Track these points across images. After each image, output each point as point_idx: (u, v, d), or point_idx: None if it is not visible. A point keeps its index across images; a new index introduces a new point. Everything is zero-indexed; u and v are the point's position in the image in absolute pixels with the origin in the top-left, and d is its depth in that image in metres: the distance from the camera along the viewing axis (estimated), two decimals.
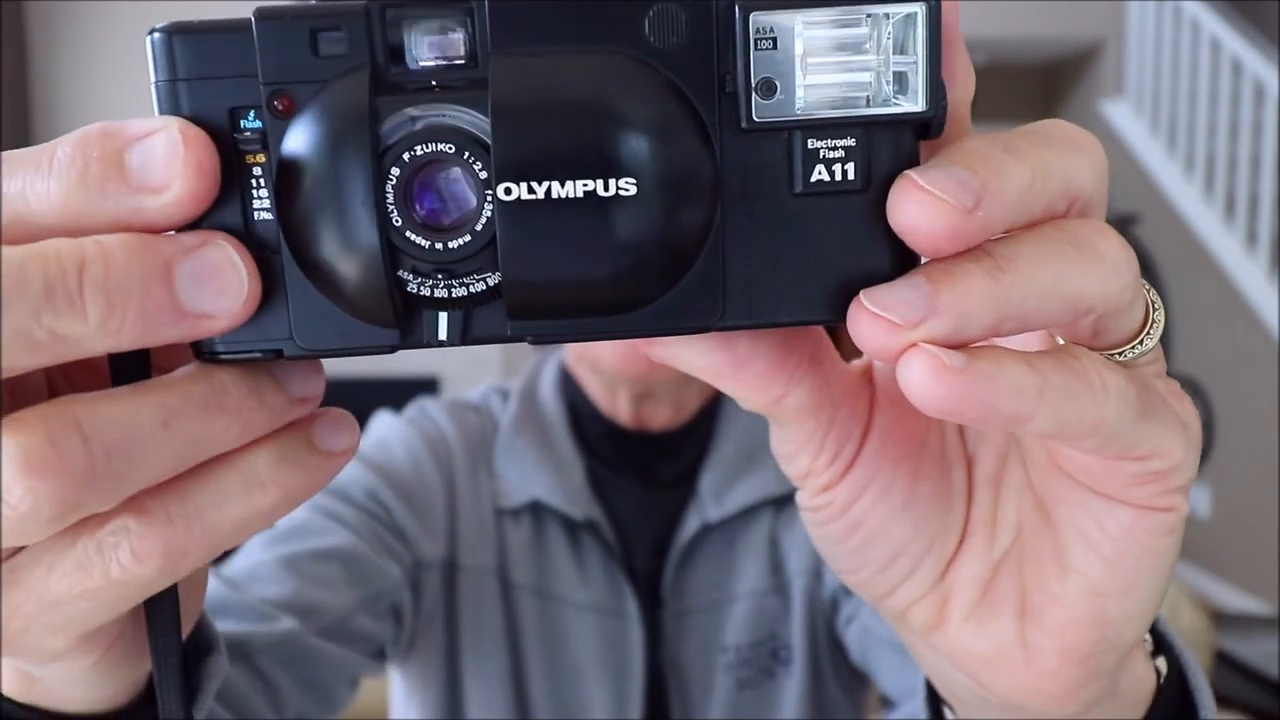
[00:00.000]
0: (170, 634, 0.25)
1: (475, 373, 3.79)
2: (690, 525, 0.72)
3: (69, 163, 0.20)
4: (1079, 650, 0.26)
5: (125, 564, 0.21)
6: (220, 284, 0.20)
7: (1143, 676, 0.30)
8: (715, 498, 0.73)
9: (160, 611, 0.25)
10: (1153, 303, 0.25)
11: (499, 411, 0.78)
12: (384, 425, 0.76)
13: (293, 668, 0.54)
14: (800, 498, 0.28)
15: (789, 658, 0.71)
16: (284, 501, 0.22)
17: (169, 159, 0.20)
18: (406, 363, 3.85)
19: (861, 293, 0.21)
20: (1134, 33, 4.08)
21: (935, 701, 0.34)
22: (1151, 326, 0.24)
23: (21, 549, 0.21)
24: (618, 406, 0.75)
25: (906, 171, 0.21)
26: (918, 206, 0.20)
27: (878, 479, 0.27)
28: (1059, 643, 0.26)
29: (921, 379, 0.20)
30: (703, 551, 0.73)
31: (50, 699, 0.28)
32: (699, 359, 0.24)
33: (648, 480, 0.75)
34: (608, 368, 0.70)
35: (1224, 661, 2.23)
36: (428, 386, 3.84)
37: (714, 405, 0.78)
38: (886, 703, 0.66)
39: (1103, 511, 0.25)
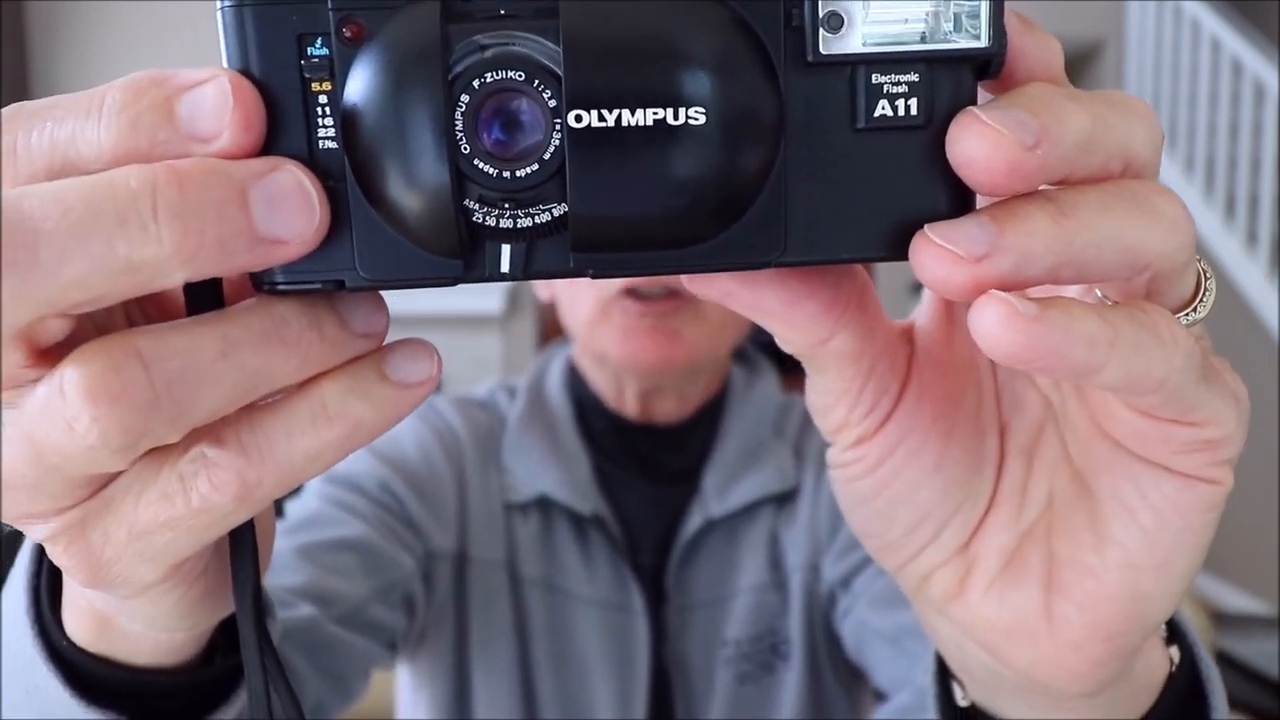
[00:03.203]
0: (249, 568, 0.26)
1: (477, 372, 3.79)
2: (694, 521, 0.73)
3: (119, 109, 0.20)
4: (1108, 625, 0.26)
5: (204, 493, 0.21)
6: (293, 208, 0.20)
7: (1156, 663, 0.30)
8: (718, 494, 0.73)
9: (241, 544, 0.25)
10: (1204, 272, 0.24)
11: (506, 408, 0.78)
12: None
13: (311, 654, 0.55)
14: (831, 454, 0.28)
15: (788, 652, 0.72)
16: (355, 434, 0.22)
17: (218, 110, 0.20)
18: None
19: (926, 226, 0.21)
20: (1134, 33, 4.08)
21: (944, 681, 0.34)
22: (1204, 295, 0.24)
23: (112, 481, 0.22)
24: (624, 400, 0.75)
25: (968, 107, 0.21)
26: (978, 140, 0.20)
27: (911, 437, 0.27)
28: (1088, 616, 0.26)
29: (994, 325, 0.20)
30: (705, 547, 0.73)
31: (122, 648, 0.29)
32: (751, 296, 0.24)
33: (653, 476, 0.75)
34: (615, 360, 0.70)
35: (1224, 661, 2.23)
36: None
37: (718, 402, 0.78)
38: (881, 697, 0.67)
39: (1148, 481, 0.25)
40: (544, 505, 0.73)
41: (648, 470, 0.75)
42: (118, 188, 0.18)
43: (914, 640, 0.63)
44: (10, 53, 3.68)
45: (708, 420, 0.77)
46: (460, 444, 0.74)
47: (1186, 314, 0.24)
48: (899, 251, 0.22)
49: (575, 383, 0.78)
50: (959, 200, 0.22)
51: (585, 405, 0.77)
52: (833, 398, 0.27)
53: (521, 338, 4.03)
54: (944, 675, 0.34)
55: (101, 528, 0.22)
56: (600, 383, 0.76)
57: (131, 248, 0.18)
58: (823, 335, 0.25)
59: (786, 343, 0.26)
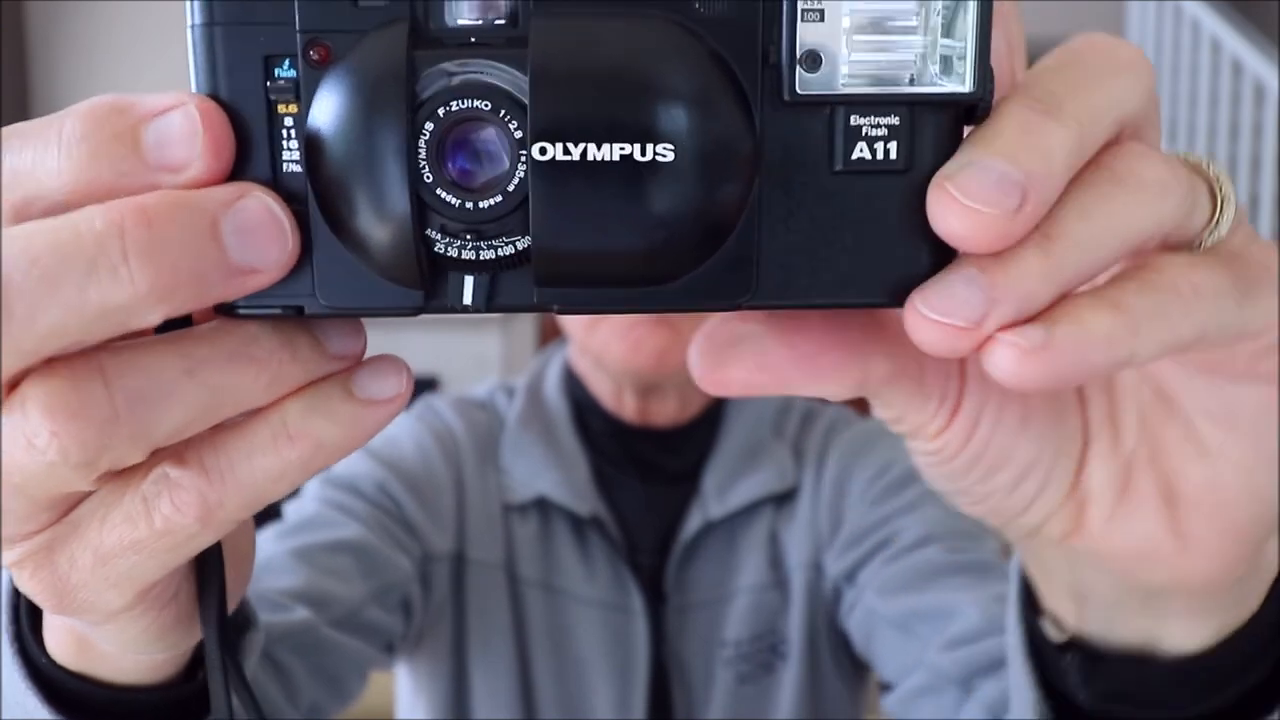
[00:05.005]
0: (214, 593, 0.25)
1: (476, 372, 3.79)
2: (693, 522, 0.73)
3: (79, 139, 0.19)
4: (1238, 528, 0.25)
5: (166, 514, 0.21)
6: (265, 236, 0.19)
7: (1272, 556, 0.30)
8: (718, 495, 0.73)
9: (208, 571, 0.25)
10: (1217, 181, 0.23)
11: (505, 408, 0.78)
12: (393, 421, 0.76)
13: (307, 656, 0.55)
14: (914, 447, 0.27)
15: (786, 652, 0.72)
16: (318, 454, 0.22)
17: (187, 138, 0.19)
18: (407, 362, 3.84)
19: (915, 297, 0.20)
20: (1134, 33, 4.07)
21: (1030, 622, 0.32)
22: (1223, 206, 0.23)
23: (79, 505, 0.22)
24: (623, 402, 0.75)
25: (941, 177, 0.20)
26: (960, 221, 0.19)
27: (988, 406, 0.26)
28: (1217, 524, 0.25)
29: (1009, 369, 0.20)
30: (705, 548, 0.73)
31: (102, 667, 0.28)
32: (776, 379, 0.24)
33: (651, 477, 0.75)
34: (613, 363, 0.70)
35: None
36: (428, 385, 3.84)
37: (719, 403, 0.78)
38: (885, 688, 0.67)
39: (1232, 392, 0.24)
40: (542, 506, 0.73)
41: (646, 472, 0.75)
42: (83, 232, 0.18)
43: (923, 624, 0.63)
44: (10, 53, 3.68)
45: (707, 422, 0.77)
46: (458, 445, 0.74)
47: (1210, 231, 0.23)
48: (876, 297, 0.21)
49: (573, 385, 0.78)
50: (940, 245, 0.21)
51: (583, 407, 0.77)
52: (898, 411, 0.26)
53: (521, 338, 4.03)
54: (1029, 619, 0.32)
55: (68, 552, 0.22)
56: (598, 386, 0.76)
57: (104, 294, 0.18)
58: (856, 378, 0.24)
59: (831, 396, 0.25)
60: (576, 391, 0.78)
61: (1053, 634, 0.32)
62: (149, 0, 3.64)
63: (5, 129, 0.20)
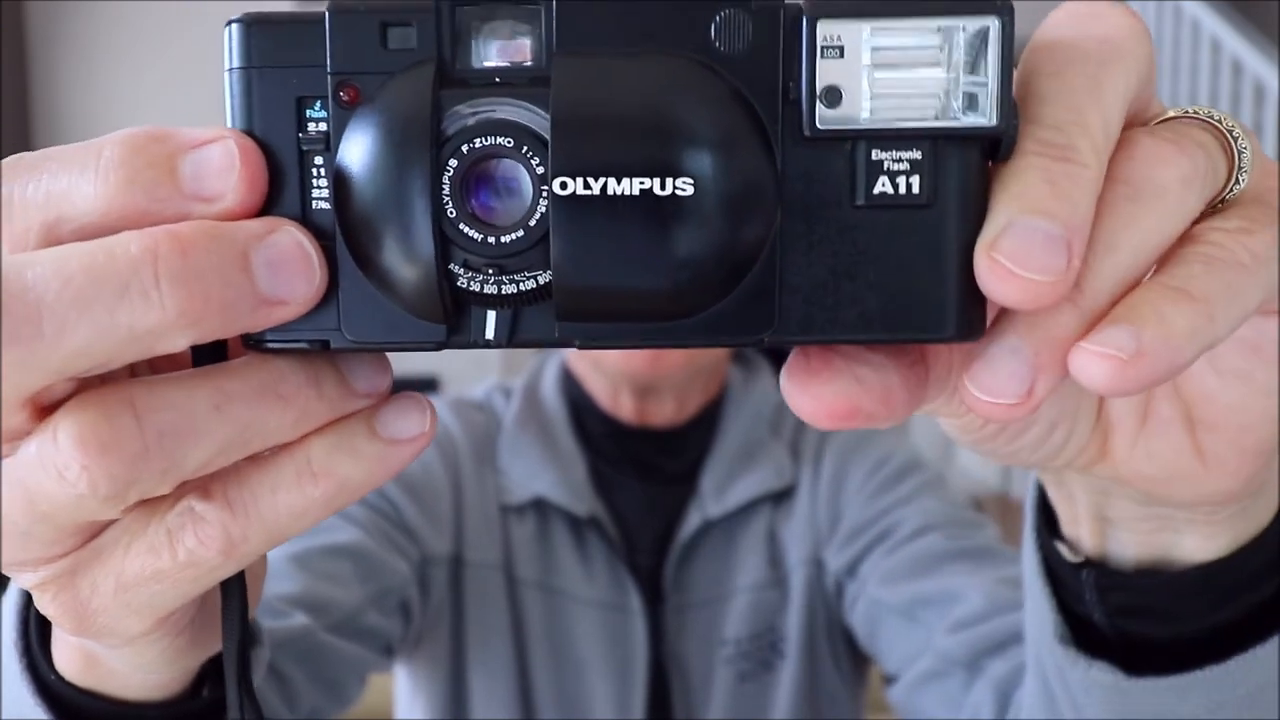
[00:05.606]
0: (235, 622, 0.26)
1: (475, 372, 3.79)
2: (692, 521, 0.73)
3: (117, 164, 0.19)
4: (1260, 447, 0.26)
5: (190, 547, 0.21)
6: (294, 270, 0.20)
7: None
8: (716, 494, 0.74)
9: (229, 598, 0.26)
10: (1229, 133, 0.23)
11: (502, 409, 0.79)
12: None
13: (305, 663, 0.55)
14: (943, 421, 0.27)
15: (785, 650, 0.72)
16: (341, 491, 0.22)
17: (224, 171, 0.20)
18: (406, 362, 3.84)
19: (967, 382, 0.21)
20: None
21: (1045, 546, 0.33)
22: (1240, 159, 0.23)
23: (103, 531, 0.22)
24: (620, 403, 0.75)
25: (987, 247, 0.20)
26: (1020, 292, 0.20)
27: None
28: (1240, 444, 0.26)
29: (1105, 382, 0.20)
30: (703, 547, 0.73)
31: (110, 683, 0.29)
32: (886, 410, 0.23)
33: (649, 477, 0.76)
34: (609, 365, 0.70)
35: None
36: (428, 386, 3.84)
37: (717, 403, 0.78)
38: (889, 680, 0.67)
39: (1262, 321, 0.25)
40: (540, 507, 0.73)
41: (644, 472, 0.76)
42: (117, 256, 0.18)
43: (927, 609, 0.63)
44: (10, 53, 3.68)
45: (705, 421, 0.77)
46: (456, 447, 0.75)
47: (1231, 188, 0.23)
48: (900, 333, 0.21)
49: (570, 386, 0.78)
50: (964, 280, 0.21)
51: (580, 408, 0.77)
52: (931, 407, 0.26)
53: None
54: (1045, 549, 0.33)
55: (90, 578, 0.22)
56: (596, 387, 0.77)
57: (134, 316, 0.18)
58: (929, 395, 0.24)
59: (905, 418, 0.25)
60: (574, 392, 0.78)
61: (1068, 555, 0.32)
62: (149, 0, 3.64)
63: (45, 151, 0.20)
